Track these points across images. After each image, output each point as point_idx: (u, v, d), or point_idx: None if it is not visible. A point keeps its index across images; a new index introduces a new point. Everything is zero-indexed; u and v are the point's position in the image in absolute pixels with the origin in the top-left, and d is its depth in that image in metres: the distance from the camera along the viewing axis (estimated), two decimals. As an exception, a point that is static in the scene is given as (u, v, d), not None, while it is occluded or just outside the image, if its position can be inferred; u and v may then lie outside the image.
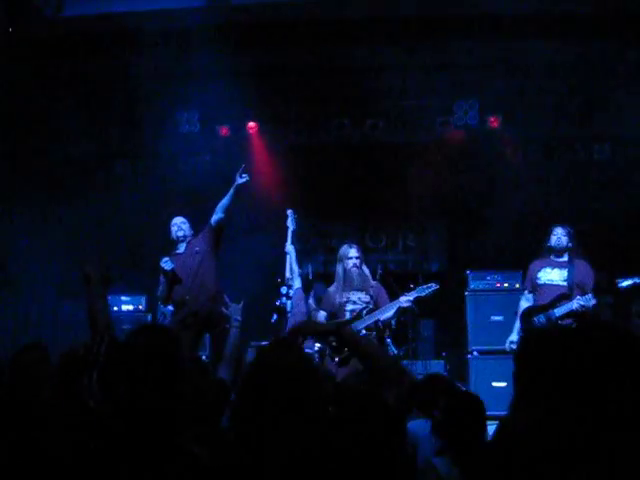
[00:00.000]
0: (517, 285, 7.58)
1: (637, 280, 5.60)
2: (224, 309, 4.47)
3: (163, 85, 8.19)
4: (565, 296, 5.87)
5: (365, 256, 9.26)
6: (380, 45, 8.10)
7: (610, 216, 8.43)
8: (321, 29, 7.95)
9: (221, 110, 8.70)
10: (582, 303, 5.74)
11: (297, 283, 6.86)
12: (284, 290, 6.84)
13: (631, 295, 5.79)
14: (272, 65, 8.42)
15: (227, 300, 4.49)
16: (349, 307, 6.12)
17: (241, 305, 4.54)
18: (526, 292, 6.36)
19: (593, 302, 5.75)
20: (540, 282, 6.10)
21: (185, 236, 6.48)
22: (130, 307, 8.59)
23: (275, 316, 7.18)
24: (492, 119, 8.85)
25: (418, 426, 4.15)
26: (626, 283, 5.61)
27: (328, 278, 7.14)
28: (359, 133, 9.10)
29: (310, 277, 8.38)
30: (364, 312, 6.05)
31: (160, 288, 6.33)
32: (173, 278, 6.11)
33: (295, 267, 6.88)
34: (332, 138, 9.16)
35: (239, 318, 4.38)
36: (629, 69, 8.28)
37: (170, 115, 8.99)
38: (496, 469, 2.06)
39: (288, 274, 6.91)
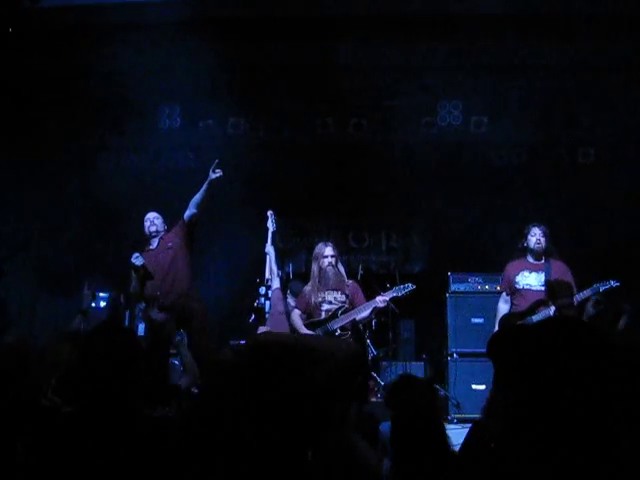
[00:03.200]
0: (498, 288, 7.49)
1: (613, 284, 5.58)
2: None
3: (144, 79, 8.10)
4: (543, 302, 5.81)
5: (348, 256, 9.35)
6: (364, 44, 8.05)
7: (594, 220, 8.42)
8: (305, 26, 7.92)
9: (203, 106, 8.60)
10: None
11: (276, 283, 6.80)
12: (262, 290, 6.79)
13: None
14: (255, 62, 8.35)
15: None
16: (325, 307, 6.05)
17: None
18: (504, 294, 6.30)
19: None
20: (518, 286, 6.04)
21: (158, 231, 6.39)
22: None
23: (253, 316, 7.13)
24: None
25: (389, 427, 4.10)
26: (604, 287, 5.58)
27: (309, 278, 7.08)
28: (343, 132, 9.03)
29: (291, 277, 8.34)
30: (339, 312, 5.99)
31: (132, 284, 6.24)
32: (144, 274, 6.03)
33: (274, 268, 6.83)
34: (315, 137, 9.09)
35: (179, 337, 4.47)
36: (614, 72, 8.26)
37: (152, 110, 8.90)
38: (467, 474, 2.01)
39: (267, 275, 6.87)
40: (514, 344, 1.51)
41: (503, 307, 6.26)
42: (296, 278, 8.11)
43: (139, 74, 8.11)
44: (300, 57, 8.37)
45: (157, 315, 5.93)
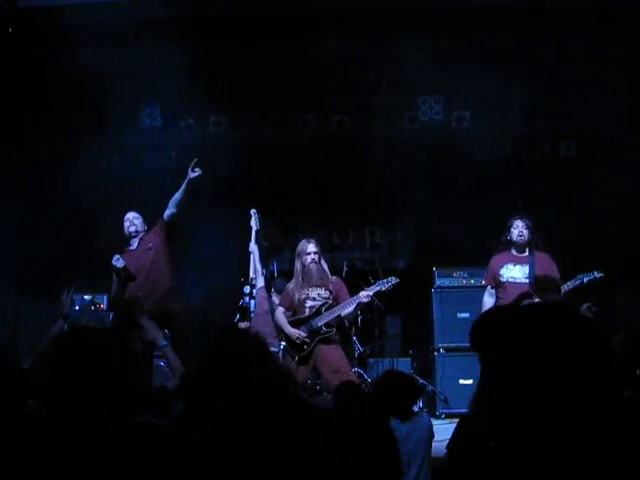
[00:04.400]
0: (483, 282, 7.51)
1: (596, 275, 5.58)
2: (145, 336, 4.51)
3: (124, 78, 8.03)
4: (527, 295, 5.79)
5: (332, 253, 9.32)
6: (344, 40, 8.02)
7: (575, 212, 8.45)
8: (285, 22, 7.87)
9: (183, 105, 8.53)
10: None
11: (260, 282, 6.77)
12: (247, 290, 6.76)
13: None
14: (235, 59, 8.28)
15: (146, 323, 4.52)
16: (308, 303, 6.01)
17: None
18: (489, 287, 6.29)
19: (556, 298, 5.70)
20: (503, 279, 6.02)
21: (137, 232, 6.30)
22: (92, 306, 8.43)
23: (237, 316, 7.09)
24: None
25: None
26: (587, 278, 5.58)
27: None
28: (325, 129, 9.00)
29: (275, 275, 8.31)
30: (323, 308, 5.96)
31: (113, 286, 6.17)
32: (126, 275, 5.95)
33: (259, 266, 6.80)
34: (298, 134, 9.05)
35: (165, 342, 4.45)
36: (596, 65, 8.28)
37: (132, 109, 8.81)
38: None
39: (252, 274, 6.83)
40: (496, 328, 1.47)
41: (488, 301, 6.25)
42: (280, 276, 8.07)
43: (119, 73, 8.04)
44: (281, 54, 8.32)
45: (146, 322, 5.88)
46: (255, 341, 2.19)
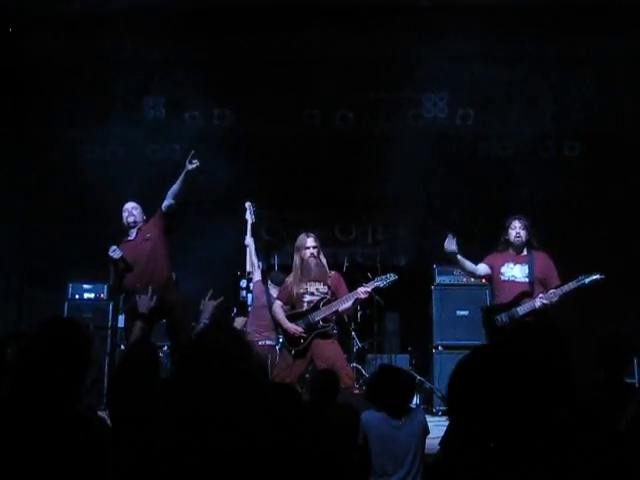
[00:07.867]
0: (483, 280, 7.52)
1: (598, 276, 5.56)
2: (202, 305, 4.41)
3: (128, 69, 8.03)
4: (527, 294, 5.78)
5: (334, 248, 9.32)
6: (350, 35, 8.02)
7: (578, 212, 8.44)
8: (292, 17, 7.87)
9: (187, 97, 8.54)
10: (544, 302, 5.66)
11: (257, 275, 6.78)
12: (243, 283, 6.76)
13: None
14: (240, 53, 8.29)
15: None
16: (307, 298, 5.99)
17: (217, 303, 4.45)
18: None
19: (555, 299, 5.67)
20: (503, 278, 5.98)
21: (136, 222, 6.27)
22: (92, 295, 8.46)
23: (235, 309, 7.10)
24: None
25: (369, 417, 4.11)
26: (589, 280, 5.56)
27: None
28: (329, 124, 9.00)
29: (276, 269, 8.31)
30: (321, 303, 5.94)
31: (111, 277, 6.17)
32: (123, 266, 5.95)
33: (255, 260, 6.81)
34: (301, 129, 9.04)
35: (206, 321, 4.34)
36: (601, 65, 8.27)
37: (136, 101, 8.82)
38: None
39: (249, 267, 6.83)
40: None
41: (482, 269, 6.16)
42: (283, 270, 8.07)
43: (123, 64, 8.03)
44: (286, 48, 8.33)
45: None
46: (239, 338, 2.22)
